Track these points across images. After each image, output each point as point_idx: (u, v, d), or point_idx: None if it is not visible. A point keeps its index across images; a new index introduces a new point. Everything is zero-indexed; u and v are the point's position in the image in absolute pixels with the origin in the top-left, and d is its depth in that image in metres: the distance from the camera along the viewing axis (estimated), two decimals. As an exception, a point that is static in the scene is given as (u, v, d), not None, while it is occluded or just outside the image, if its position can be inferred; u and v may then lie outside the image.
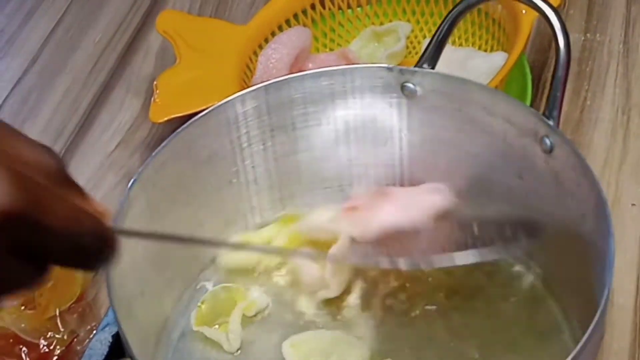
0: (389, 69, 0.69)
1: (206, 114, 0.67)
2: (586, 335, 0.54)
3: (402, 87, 0.69)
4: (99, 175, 0.87)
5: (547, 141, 0.64)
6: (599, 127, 0.86)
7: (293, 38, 0.85)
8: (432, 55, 0.69)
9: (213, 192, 0.71)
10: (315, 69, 0.84)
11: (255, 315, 0.69)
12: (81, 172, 0.87)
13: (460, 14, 0.68)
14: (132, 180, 0.64)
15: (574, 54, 0.91)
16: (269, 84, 0.69)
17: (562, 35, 0.64)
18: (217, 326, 0.68)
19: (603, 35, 0.92)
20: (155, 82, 0.83)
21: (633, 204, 0.80)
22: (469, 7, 0.69)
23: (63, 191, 0.45)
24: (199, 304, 0.69)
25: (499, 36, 0.85)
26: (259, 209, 0.74)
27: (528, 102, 0.82)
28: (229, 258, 0.70)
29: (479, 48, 0.87)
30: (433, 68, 0.69)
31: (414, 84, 0.68)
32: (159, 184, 0.66)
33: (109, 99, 0.94)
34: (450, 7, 0.85)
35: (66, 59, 0.98)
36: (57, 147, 0.90)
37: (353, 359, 0.64)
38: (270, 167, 0.72)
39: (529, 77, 0.83)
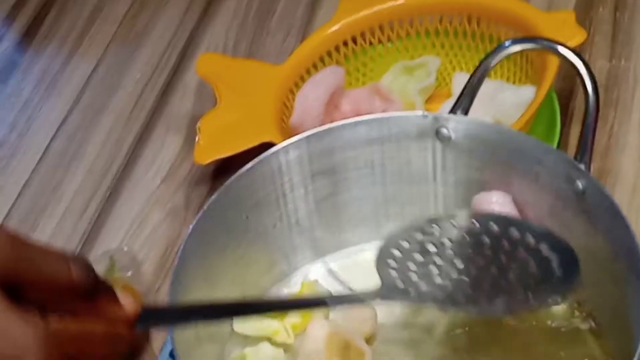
0: (424, 117, 0.72)
1: (252, 165, 0.71)
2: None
3: (437, 132, 0.72)
4: (145, 212, 0.91)
5: (579, 184, 0.67)
6: (627, 153, 0.88)
7: (328, 78, 0.88)
8: (465, 102, 0.72)
9: (258, 236, 0.74)
10: (348, 105, 0.89)
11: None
12: (128, 209, 0.91)
13: (492, 63, 0.71)
14: (187, 234, 0.67)
15: (601, 81, 0.94)
16: (311, 134, 0.72)
17: (590, 83, 0.67)
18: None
19: (628, 62, 0.95)
20: (198, 125, 0.86)
21: (662, 230, 0.82)
22: (500, 59, 0.72)
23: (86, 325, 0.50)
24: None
25: (527, 69, 0.88)
26: (300, 248, 0.77)
27: (557, 135, 0.85)
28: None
29: (507, 80, 0.89)
30: (466, 114, 0.72)
31: (447, 129, 0.72)
32: (211, 232, 0.69)
33: (150, 137, 0.97)
34: (478, 41, 0.90)
35: (108, 98, 1.01)
36: (103, 187, 0.93)
37: None
38: (311, 209, 0.76)
39: (558, 111, 0.86)
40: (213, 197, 0.69)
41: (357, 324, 0.71)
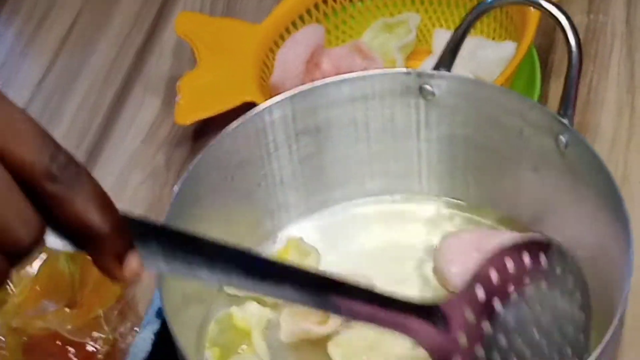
0: (407, 74, 0.72)
1: (236, 126, 0.71)
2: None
3: (420, 89, 0.72)
4: (126, 174, 0.90)
5: (562, 138, 0.67)
6: (606, 107, 0.89)
7: (308, 36, 0.88)
8: (447, 59, 0.72)
9: (243, 196, 0.74)
10: (329, 63, 0.89)
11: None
12: (108, 171, 0.91)
13: (474, 19, 0.71)
14: (172, 196, 0.67)
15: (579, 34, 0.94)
16: (294, 94, 0.72)
17: (572, 36, 0.68)
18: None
19: (606, 16, 0.95)
20: (178, 84, 0.86)
21: (641, 182, 0.83)
22: (483, 13, 0.72)
23: None
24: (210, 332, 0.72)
25: (507, 25, 0.88)
26: (285, 206, 0.77)
27: (537, 90, 0.85)
28: None
29: (487, 36, 0.90)
30: (449, 70, 0.72)
31: (431, 86, 0.72)
32: (196, 194, 0.69)
33: (129, 98, 0.96)
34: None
35: (83, 60, 1.00)
36: (82, 148, 0.93)
37: (398, 349, 0.67)
38: (296, 167, 0.76)
39: (538, 66, 0.86)
40: (197, 158, 0.69)
41: None
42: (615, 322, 0.58)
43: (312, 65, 0.88)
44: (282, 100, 0.72)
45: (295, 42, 0.87)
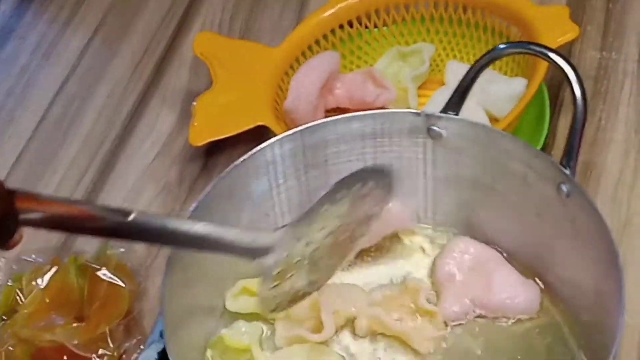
0: (417, 114, 0.74)
1: (247, 157, 0.72)
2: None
3: (429, 130, 0.74)
4: (140, 186, 0.93)
5: (564, 188, 0.69)
6: (613, 147, 0.90)
7: (323, 62, 0.89)
8: (456, 101, 0.73)
9: (251, 225, 0.76)
10: (342, 89, 0.90)
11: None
12: (122, 182, 0.93)
13: (484, 66, 0.73)
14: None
15: (590, 72, 0.95)
16: (305, 128, 0.73)
17: (578, 88, 0.69)
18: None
19: (618, 54, 0.96)
20: (193, 105, 0.87)
21: (644, 224, 0.85)
22: (492, 60, 0.73)
23: None
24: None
25: (520, 60, 0.89)
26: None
27: (546, 126, 0.87)
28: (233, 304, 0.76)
29: (500, 70, 0.91)
30: (457, 114, 0.73)
31: (439, 128, 0.73)
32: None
33: (146, 109, 0.98)
34: (473, 30, 0.91)
35: (105, 67, 1.02)
36: (99, 158, 0.95)
37: None
38: (304, 199, 0.77)
39: (547, 102, 0.88)
40: (207, 189, 0.71)
41: None
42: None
43: (325, 91, 0.90)
44: (293, 134, 0.74)
45: (310, 67, 0.89)
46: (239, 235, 0.63)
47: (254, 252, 0.64)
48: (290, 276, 0.66)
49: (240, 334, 0.74)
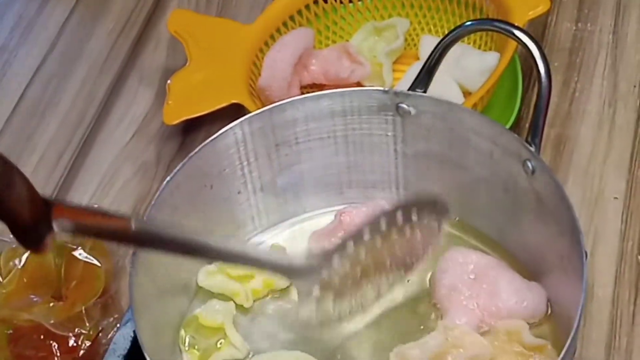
0: (385, 92, 0.74)
1: (216, 137, 0.73)
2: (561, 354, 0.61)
3: (397, 107, 0.74)
4: (117, 166, 0.93)
5: (529, 164, 0.69)
6: (587, 119, 0.91)
7: (297, 39, 0.89)
8: (424, 79, 0.74)
9: (223, 202, 0.77)
10: (317, 65, 0.91)
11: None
12: (100, 162, 0.93)
13: (451, 43, 0.73)
14: (150, 205, 0.70)
15: (565, 44, 0.96)
16: (274, 107, 0.74)
17: (542, 65, 0.69)
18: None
19: (594, 25, 0.96)
20: (168, 83, 0.88)
21: (615, 197, 0.85)
22: (459, 37, 0.73)
23: None
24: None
25: (492, 33, 0.89)
26: (265, 212, 0.80)
27: (518, 99, 0.87)
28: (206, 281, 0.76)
29: (474, 43, 0.91)
30: (425, 91, 0.74)
31: (407, 105, 0.74)
32: (173, 203, 0.72)
33: (123, 89, 0.99)
34: (447, 3, 0.91)
35: (82, 46, 1.03)
36: (76, 138, 0.95)
37: None
38: (276, 176, 0.78)
39: (520, 75, 0.88)
40: (177, 168, 0.71)
41: None
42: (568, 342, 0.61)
43: (300, 67, 0.90)
44: (262, 112, 0.74)
45: (284, 44, 0.89)
46: (277, 256, 0.65)
47: (291, 273, 0.64)
48: (333, 296, 0.65)
49: (214, 312, 0.75)
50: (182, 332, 0.74)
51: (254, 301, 0.76)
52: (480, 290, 0.72)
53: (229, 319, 0.74)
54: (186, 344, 0.74)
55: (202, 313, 0.75)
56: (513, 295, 0.71)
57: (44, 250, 0.57)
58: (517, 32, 0.70)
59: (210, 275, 0.76)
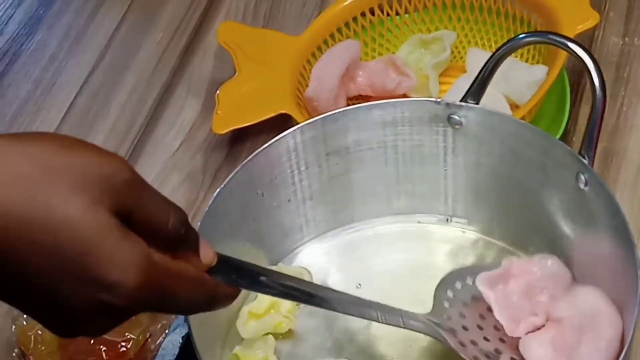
0: (437, 103, 0.74)
1: (269, 145, 0.74)
2: None
3: (449, 118, 0.75)
4: (164, 175, 0.94)
5: (583, 177, 0.69)
6: (634, 133, 0.90)
7: (344, 51, 0.90)
8: (476, 91, 0.74)
9: (272, 210, 0.77)
10: (364, 77, 0.91)
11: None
12: (147, 172, 0.94)
13: (504, 55, 0.73)
14: (205, 211, 0.70)
15: (612, 58, 0.96)
16: (326, 116, 0.75)
17: (597, 78, 0.69)
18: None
19: (641, 40, 0.96)
20: (217, 94, 0.89)
21: (665, 213, 0.85)
22: (512, 50, 0.74)
23: (181, 265, 0.52)
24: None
25: (540, 47, 0.89)
26: (313, 221, 0.81)
27: (566, 114, 0.87)
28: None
29: (521, 57, 0.91)
30: (477, 103, 0.74)
31: (459, 116, 0.74)
32: (226, 210, 0.72)
33: (171, 98, 1.00)
34: (494, 17, 0.91)
35: (130, 57, 1.04)
36: (125, 147, 0.96)
37: None
38: (325, 185, 0.79)
39: (568, 89, 0.88)
40: (230, 175, 0.72)
41: None
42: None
43: (347, 79, 0.91)
44: (314, 121, 0.75)
45: (331, 56, 0.90)
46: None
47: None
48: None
49: (254, 348, 0.74)
50: None
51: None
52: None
53: (270, 352, 0.74)
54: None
55: (241, 351, 0.74)
56: None
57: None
58: (572, 45, 0.70)
59: (245, 325, 0.76)
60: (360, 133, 0.76)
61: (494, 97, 0.87)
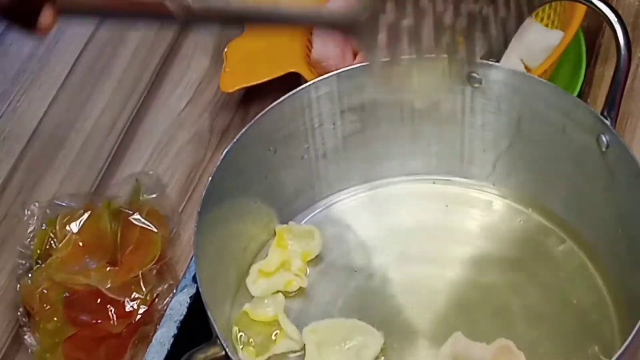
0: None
1: (282, 100, 0.72)
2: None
3: (468, 77, 0.73)
4: (170, 134, 0.92)
5: (604, 138, 0.68)
6: (650, 96, 0.89)
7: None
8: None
9: (285, 167, 0.76)
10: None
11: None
12: (154, 130, 0.93)
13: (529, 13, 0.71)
14: (216, 166, 0.69)
15: (628, 18, 0.94)
16: (342, 72, 0.73)
17: (622, 36, 0.68)
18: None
19: (658, 2, 0.95)
20: (225, 51, 0.87)
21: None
22: (534, 7, 0.72)
23: None
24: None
25: (560, 11, 0.87)
26: (326, 179, 0.79)
27: (582, 75, 0.86)
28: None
29: (541, 20, 0.89)
30: (498, 61, 0.72)
31: (478, 74, 0.72)
32: (238, 167, 0.71)
33: (177, 57, 0.98)
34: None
35: (136, 13, 1.01)
36: (130, 105, 0.95)
37: (370, 348, 0.70)
38: (339, 142, 0.77)
39: (584, 51, 0.87)
40: (242, 130, 0.71)
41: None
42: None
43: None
44: (329, 77, 0.73)
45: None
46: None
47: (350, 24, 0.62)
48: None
49: (263, 306, 0.73)
50: (235, 329, 0.72)
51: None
52: None
53: (280, 310, 0.73)
54: (240, 341, 0.72)
55: (251, 309, 0.73)
56: None
57: (42, 30, 0.51)
58: (597, 2, 0.68)
59: (255, 283, 0.75)
60: (375, 90, 0.75)
61: (509, 59, 0.86)
